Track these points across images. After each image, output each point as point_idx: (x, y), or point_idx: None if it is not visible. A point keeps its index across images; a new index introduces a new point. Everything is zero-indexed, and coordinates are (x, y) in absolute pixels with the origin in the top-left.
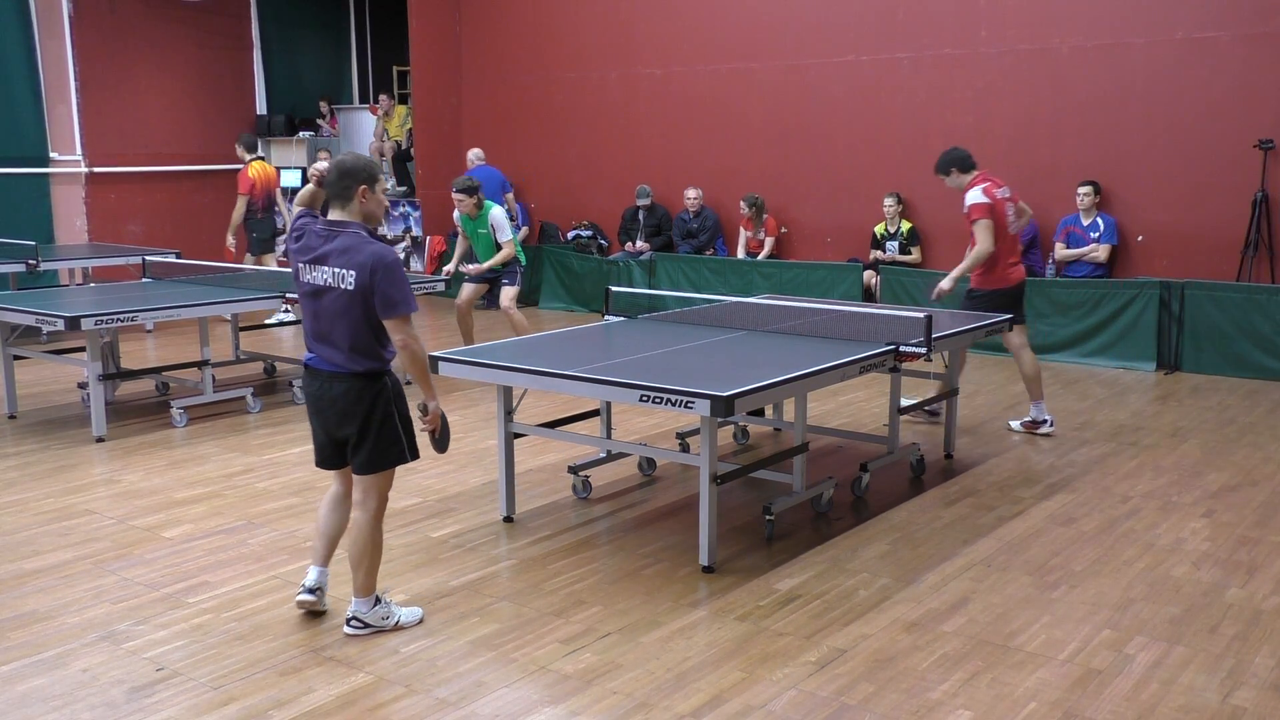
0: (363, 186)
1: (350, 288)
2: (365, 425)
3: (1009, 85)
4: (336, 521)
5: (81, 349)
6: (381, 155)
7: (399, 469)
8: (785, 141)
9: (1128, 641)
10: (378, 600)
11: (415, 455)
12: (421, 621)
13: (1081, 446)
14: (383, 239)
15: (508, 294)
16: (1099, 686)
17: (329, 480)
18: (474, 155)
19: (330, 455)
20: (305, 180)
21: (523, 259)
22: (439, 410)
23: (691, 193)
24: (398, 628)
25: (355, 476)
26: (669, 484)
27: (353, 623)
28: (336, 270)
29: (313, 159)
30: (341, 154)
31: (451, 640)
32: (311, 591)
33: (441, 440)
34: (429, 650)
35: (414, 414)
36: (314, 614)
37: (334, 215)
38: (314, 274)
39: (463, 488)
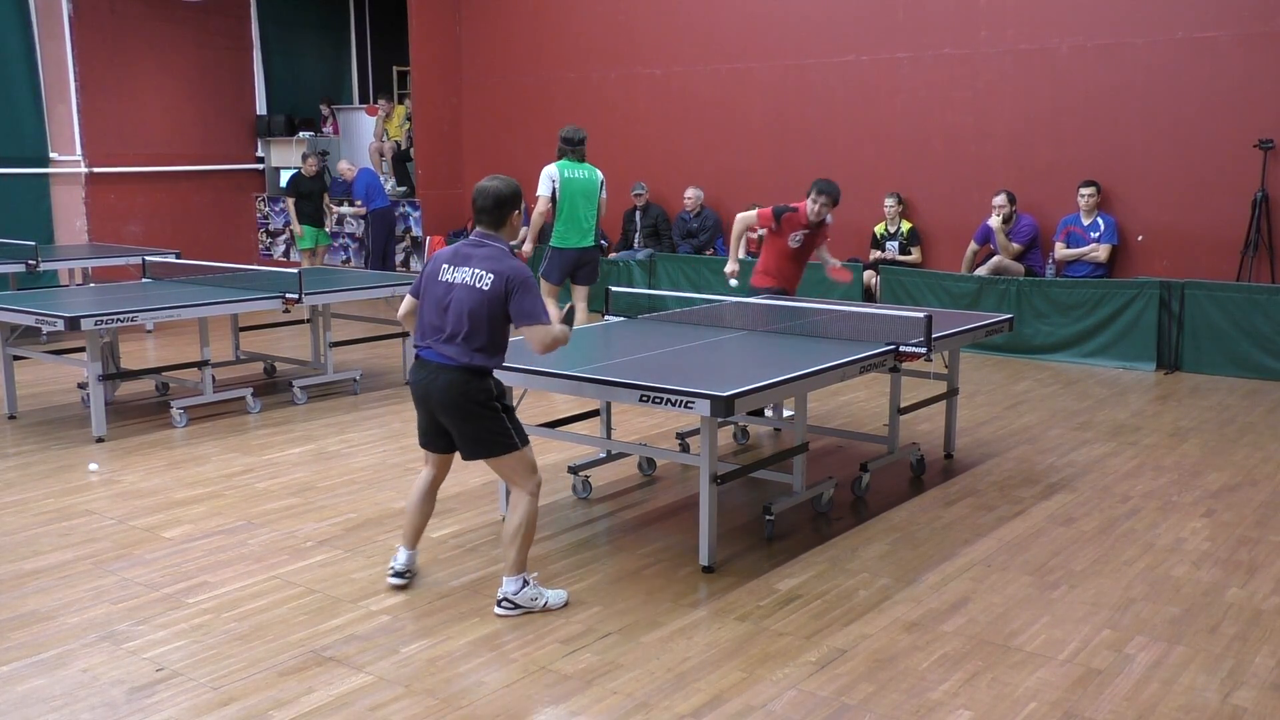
0: (515, 211)
1: (485, 288)
2: (470, 417)
3: (1009, 85)
4: (423, 507)
5: (81, 349)
6: (381, 155)
7: (398, 470)
8: (785, 141)
9: (1128, 641)
10: (525, 583)
11: (525, 441)
12: (567, 604)
13: (1081, 446)
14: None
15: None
16: (1099, 686)
17: (330, 481)
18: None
19: (433, 438)
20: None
21: (555, 240)
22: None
23: (691, 192)
24: (546, 609)
25: (485, 464)
26: (669, 484)
27: (503, 604)
28: (476, 271)
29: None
30: (491, 179)
31: (451, 640)
32: (401, 575)
33: (568, 319)
34: (429, 650)
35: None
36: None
37: (483, 230)
38: (454, 274)
39: (463, 488)
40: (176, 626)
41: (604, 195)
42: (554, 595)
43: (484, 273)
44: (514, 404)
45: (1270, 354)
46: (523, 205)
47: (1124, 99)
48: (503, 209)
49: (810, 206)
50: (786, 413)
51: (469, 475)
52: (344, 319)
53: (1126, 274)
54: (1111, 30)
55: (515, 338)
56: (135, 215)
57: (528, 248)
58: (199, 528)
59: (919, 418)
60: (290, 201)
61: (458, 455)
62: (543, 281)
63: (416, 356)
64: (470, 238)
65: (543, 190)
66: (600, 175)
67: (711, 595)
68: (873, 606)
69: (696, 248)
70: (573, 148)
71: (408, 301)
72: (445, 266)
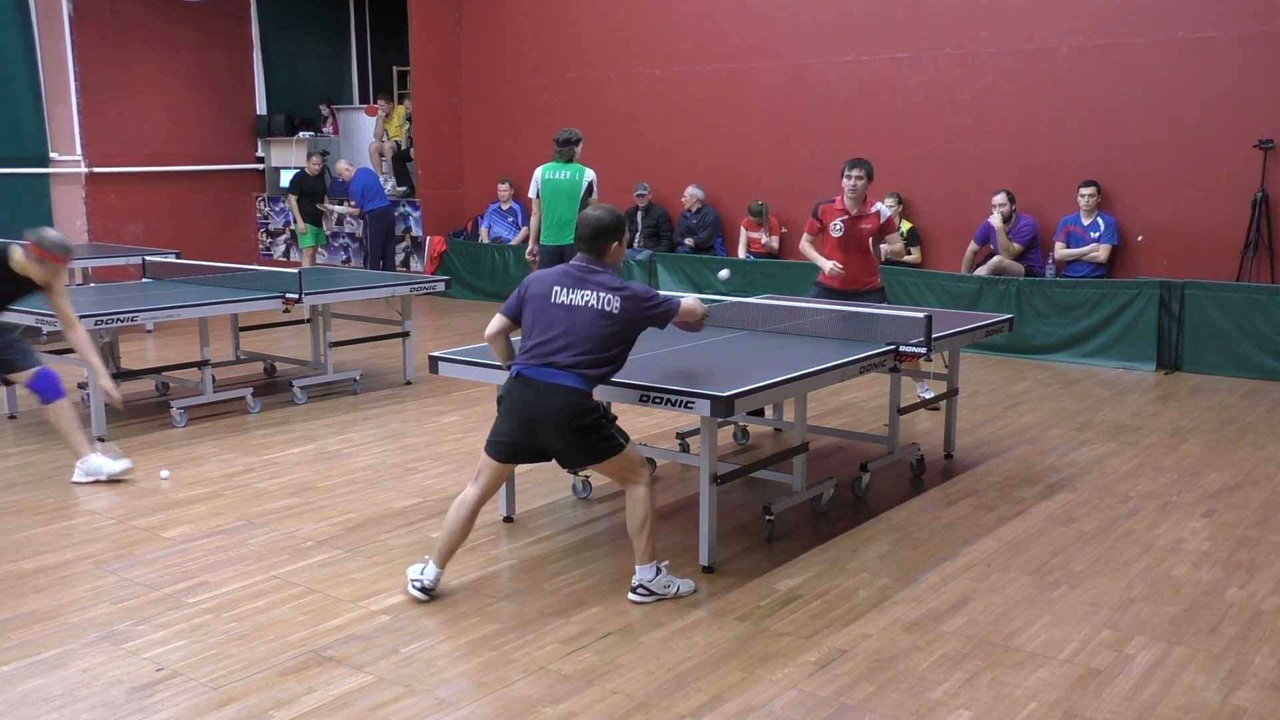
0: (615, 243)
1: (614, 310)
2: (580, 434)
3: (1009, 85)
4: (463, 525)
5: None
6: (381, 155)
7: (398, 471)
8: (785, 141)
9: (1128, 641)
10: (658, 570)
11: (628, 439)
12: (695, 591)
13: (1081, 446)
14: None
15: None
16: (1099, 686)
17: (330, 481)
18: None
19: (516, 452)
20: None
21: (542, 238)
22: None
23: (691, 190)
24: (678, 596)
25: (595, 469)
26: (669, 484)
27: (639, 590)
28: (601, 295)
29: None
30: (596, 208)
31: (451, 640)
32: (427, 591)
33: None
34: (429, 650)
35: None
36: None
37: (587, 258)
38: (572, 295)
39: (463, 488)
40: (176, 626)
41: (595, 195)
42: (684, 584)
43: (609, 295)
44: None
45: (1270, 354)
46: (624, 236)
47: (1124, 99)
48: (600, 239)
49: (844, 185)
50: (925, 392)
51: (469, 475)
52: (344, 319)
53: (1126, 274)
54: (1111, 30)
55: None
56: (135, 215)
57: (533, 246)
58: (199, 528)
59: (919, 418)
60: (293, 199)
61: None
62: None
63: (519, 374)
64: (575, 262)
65: (531, 192)
66: (589, 175)
67: (711, 595)
68: (873, 606)
69: (697, 245)
70: (558, 149)
71: (500, 322)
72: (557, 289)
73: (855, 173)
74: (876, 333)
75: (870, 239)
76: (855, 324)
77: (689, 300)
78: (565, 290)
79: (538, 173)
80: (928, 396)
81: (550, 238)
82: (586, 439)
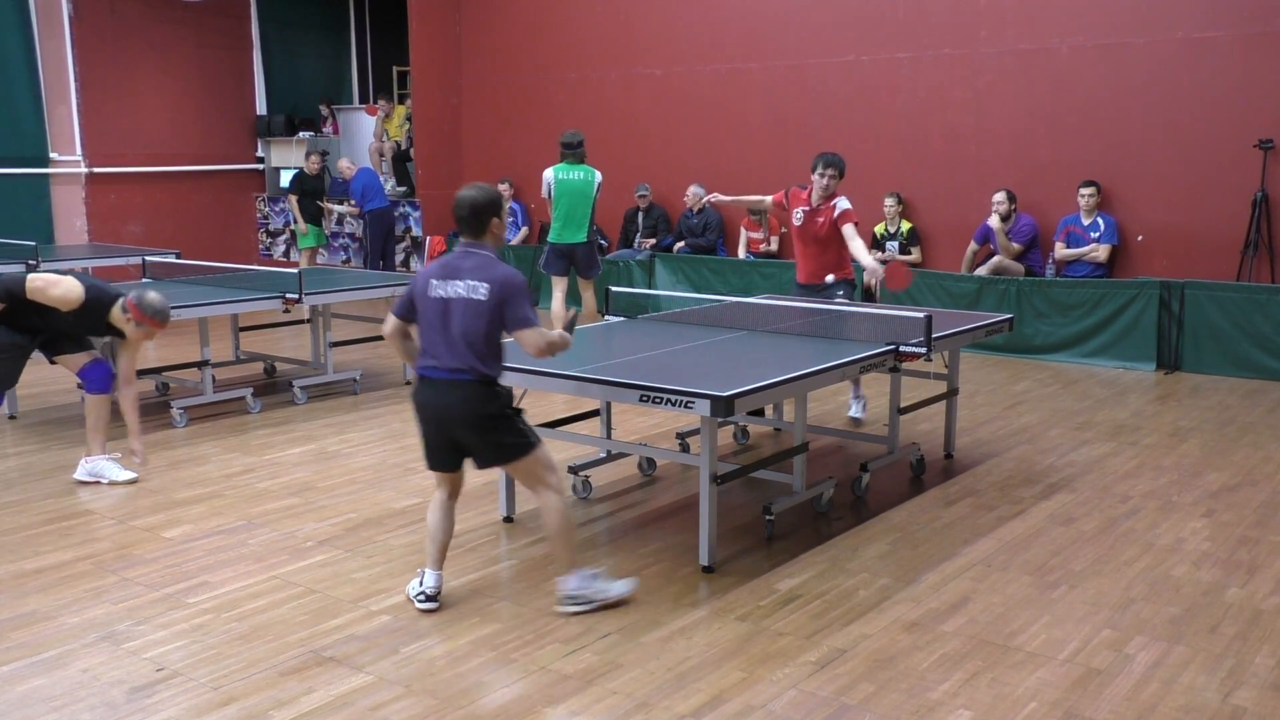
0: (494, 219)
1: (483, 298)
2: (484, 428)
3: (1009, 85)
4: (444, 526)
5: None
6: (381, 155)
7: (399, 471)
8: (785, 141)
9: (1128, 641)
10: (585, 576)
11: (539, 440)
12: (633, 592)
13: (1081, 446)
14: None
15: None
16: (1099, 686)
17: (330, 482)
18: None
19: (443, 457)
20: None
21: (550, 235)
22: (568, 340)
23: (692, 190)
24: (616, 599)
25: (503, 469)
26: (669, 484)
27: (567, 602)
28: (470, 282)
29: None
30: (468, 188)
31: (451, 640)
32: (432, 598)
33: (570, 326)
34: (429, 650)
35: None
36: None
37: (467, 240)
38: (447, 288)
39: (463, 488)
40: (176, 626)
41: (597, 195)
42: (620, 586)
43: (478, 283)
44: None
45: (1270, 354)
46: (503, 211)
47: (1124, 99)
48: (481, 217)
49: (814, 180)
50: (856, 414)
51: (469, 475)
52: (344, 319)
53: (1126, 274)
54: (1111, 30)
55: (506, 339)
56: (135, 215)
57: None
58: (199, 528)
59: (919, 418)
60: (293, 199)
61: (466, 471)
62: (546, 274)
63: (421, 377)
64: (456, 249)
65: (543, 193)
66: (598, 177)
67: (711, 595)
68: (873, 606)
69: (702, 247)
70: (571, 151)
71: (393, 323)
72: (434, 282)
73: (829, 172)
74: (876, 333)
75: (829, 232)
76: (856, 324)
77: (553, 335)
78: (441, 283)
79: (550, 174)
80: (857, 417)
81: (560, 236)
82: (495, 434)
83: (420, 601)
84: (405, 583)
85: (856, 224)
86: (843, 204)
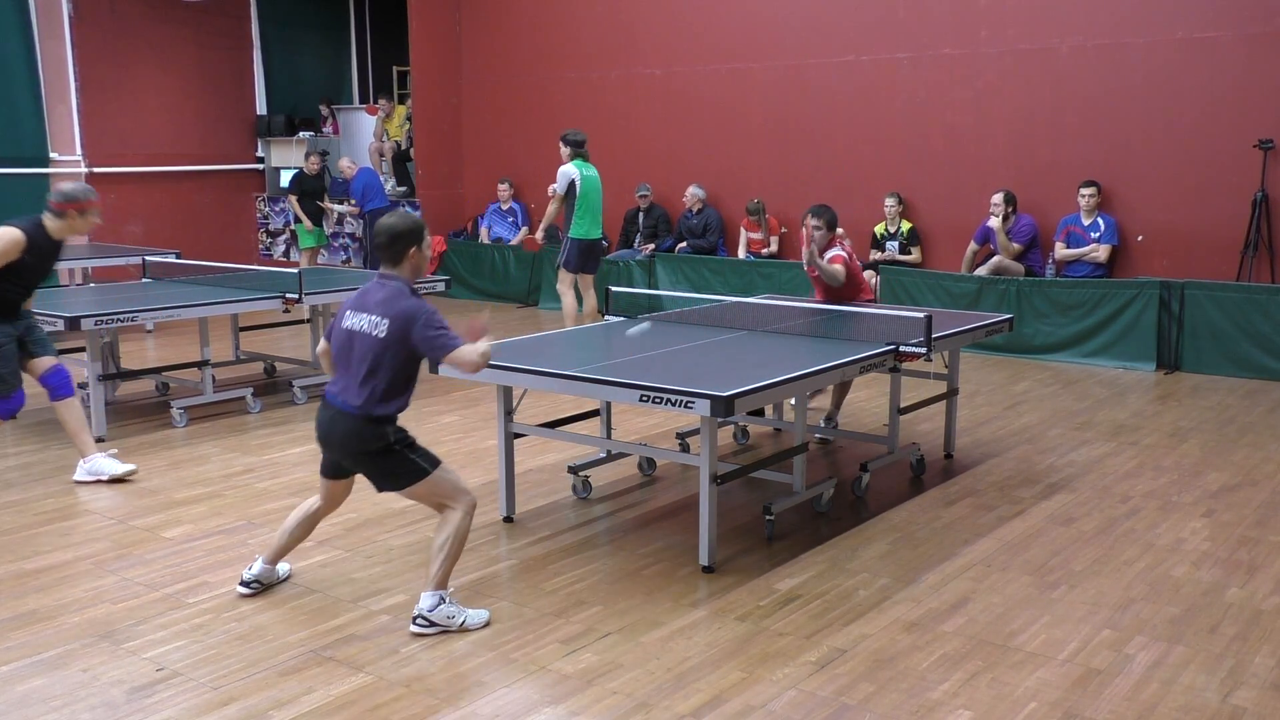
0: (413, 248)
1: (382, 335)
2: (367, 462)
3: (1009, 85)
4: (297, 530)
5: (81, 349)
6: (381, 155)
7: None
8: (785, 141)
9: (1128, 641)
10: (442, 600)
11: (435, 464)
12: (488, 624)
13: (1081, 446)
14: (418, 295)
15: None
16: (1099, 686)
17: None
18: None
19: (331, 470)
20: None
21: (574, 232)
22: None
23: (692, 190)
24: (463, 629)
25: (405, 495)
26: (669, 484)
27: (419, 621)
28: (372, 318)
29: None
30: (390, 215)
31: (451, 640)
32: (248, 584)
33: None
34: (429, 650)
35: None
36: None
37: (385, 270)
38: (354, 320)
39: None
40: (176, 626)
41: None
42: (473, 615)
43: (379, 319)
44: (413, 436)
45: (1270, 354)
46: (424, 242)
47: (1124, 99)
48: (396, 245)
49: (803, 233)
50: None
51: (468, 475)
52: None
53: (1126, 274)
54: (1111, 30)
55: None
56: (135, 215)
57: (538, 236)
58: (199, 528)
59: (919, 418)
60: (293, 199)
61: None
62: (561, 271)
63: (323, 398)
64: (373, 279)
65: (559, 188)
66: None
67: (711, 595)
68: (873, 606)
69: (704, 248)
70: (581, 148)
71: (323, 345)
72: (348, 313)
73: (813, 223)
74: (876, 333)
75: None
76: (855, 324)
77: (481, 346)
78: (353, 314)
79: (573, 170)
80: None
81: (588, 233)
82: (381, 465)
83: (239, 585)
84: (405, 582)
85: (844, 259)
86: (842, 251)
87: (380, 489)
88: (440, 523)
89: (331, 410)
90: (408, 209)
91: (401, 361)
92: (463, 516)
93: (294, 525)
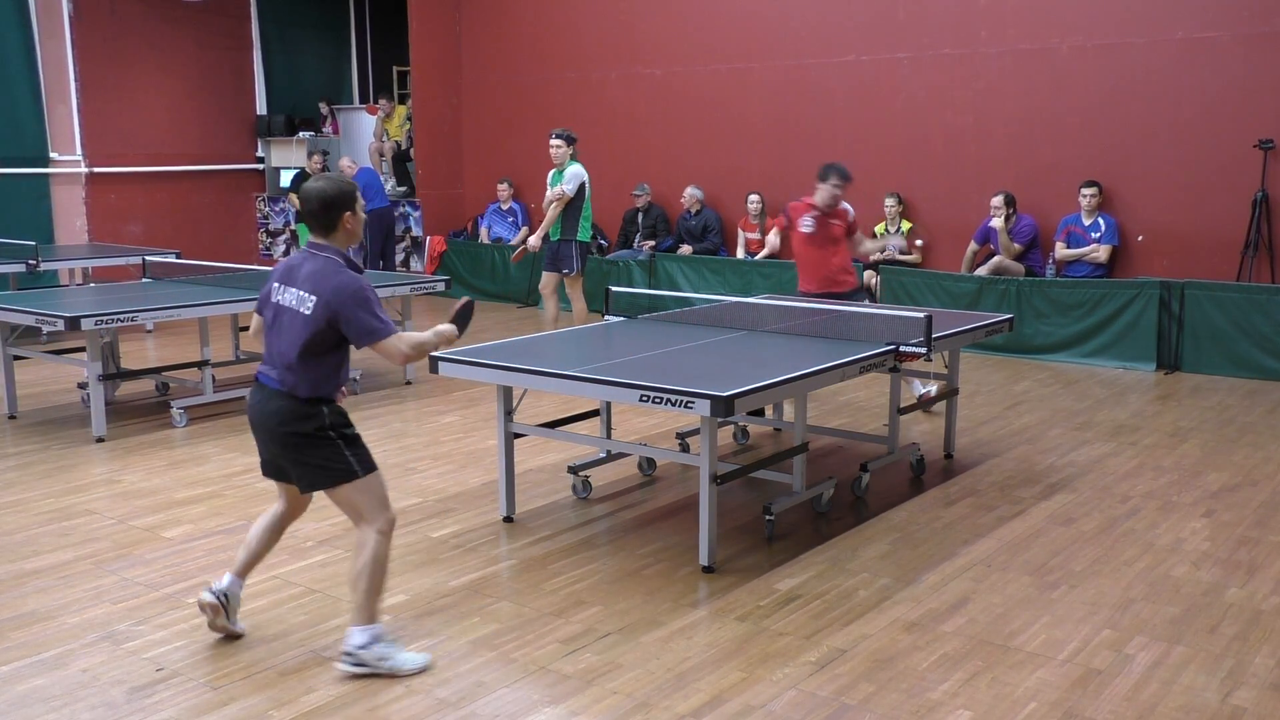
0: (346, 214)
1: (307, 312)
2: (297, 446)
3: (1009, 85)
4: (263, 538)
5: (81, 349)
6: (381, 155)
7: (399, 471)
8: (785, 141)
9: (1128, 641)
10: (375, 638)
11: (368, 469)
12: (426, 669)
13: (1081, 446)
14: (356, 266)
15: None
16: (1099, 686)
17: None
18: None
19: (274, 469)
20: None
21: (582, 235)
22: (452, 332)
23: (689, 191)
24: (393, 674)
25: (320, 494)
26: (669, 484)
27: (346, 659)
28: (300, 293)
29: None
30: (316, 179)
31: (451, 640)
32: (214, 594)
33: (461, 317)
34: (429, 650)
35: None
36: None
37: (315, 239)
38: (282, 294)
39: (463, 488)
40: (176, 626)
41: None
42: (408, 659)
43: (306, 294)
44: (358, 431)
45: (1270, 354)
46: (357, 207)
47: (1124, 99)
48: (330, 212)
49: (823, 189)
50: (923, 389)
51: (468, 475)
52: None
53: (1126, 274)
54: (1111, 30)
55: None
56: (135, 215)
57: (534, 241)
58: (199, 528)
59: (919, 418)
60: (294, 197)
61: (315, 497)
62: (547, 275)
63: (254, 379)
64: (302, 248)
65: (569, 188)
66: None
67: (711, 595)
68: (873, 606)
69: (704, 249)
70: (574, 148)
71: (256, 321)
72: (276, 286)
73: (845, 184)
74: (876, 332)
75: (839, 237)
76: (856, 324)
77: (425, 335)
78: (281, 287)
79: (582, 172)
80: (929, 392)
81: (588, 234)
82: (306, 454)
83: (205, 592)
84: (406, 582)
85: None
86: (850, 209)
87: (304, 489)
88: (357, 545)
89: (265, 390)
90: (406, 206)
91: (328, 343)
92: (379, 539)
93: (259, 535)
